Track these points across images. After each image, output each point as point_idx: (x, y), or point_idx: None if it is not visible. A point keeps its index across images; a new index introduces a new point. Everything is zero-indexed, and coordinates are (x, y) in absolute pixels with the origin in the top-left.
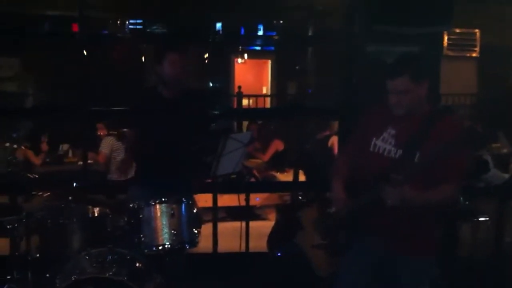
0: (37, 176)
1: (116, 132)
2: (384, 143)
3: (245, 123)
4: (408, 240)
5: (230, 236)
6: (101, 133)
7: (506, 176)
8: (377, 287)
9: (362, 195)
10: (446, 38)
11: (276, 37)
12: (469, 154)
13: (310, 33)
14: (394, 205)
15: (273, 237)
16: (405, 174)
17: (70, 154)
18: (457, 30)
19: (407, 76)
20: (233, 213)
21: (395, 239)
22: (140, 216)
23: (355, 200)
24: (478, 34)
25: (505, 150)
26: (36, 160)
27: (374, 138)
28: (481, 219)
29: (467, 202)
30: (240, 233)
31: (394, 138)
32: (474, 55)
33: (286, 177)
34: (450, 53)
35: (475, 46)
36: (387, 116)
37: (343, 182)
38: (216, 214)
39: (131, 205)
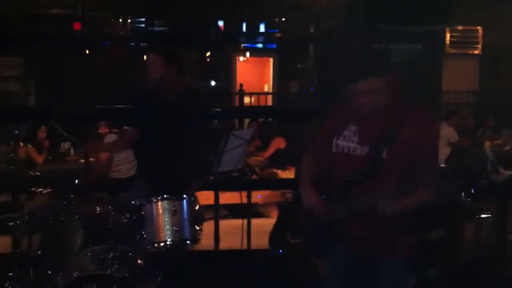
0: (39, 174)
1: (118, 131)
2: (347, 142)
3: (246, 121)
4: (383, 242)
5: (231, 233)
6: (103, 131)
7: (509, 173)
8: None
9: (349, 203)
10: (448, 35)
11: (278, 35)
12: (437, 148)
13: (312, 31)
14: (390, 215)
15: (275, 234)
16: (374, 170)
17: (71, 152)
18: (459, 28)
19: (380, 74)
20: (234, 211)
21: (371, 242)
22: (142, 213)
23: (336, 209)
24: (480, 31)
25: (507, 147)
26: (38, 158)
27: (335, 138)
28: (483, 216)
29: (469, 200)
30: (241, 230)
31: (357, 135)
32: (476, 52)
33: (287, 174)
34: (452, 51)
35: (477, 44)
36: (346, 113)
37: (313, 188)
38: (218, 212)
39: (132, 202)
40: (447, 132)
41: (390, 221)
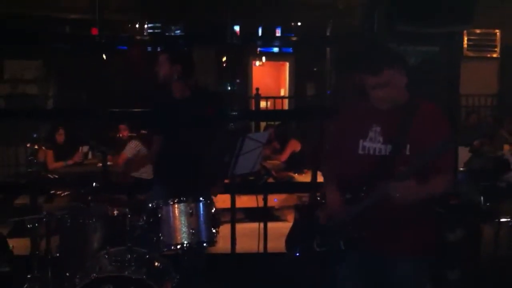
0: (57, 177)
1: (135, 134)
2: (373, 143)
3: (262, 126)
4: (401, 241)
5: (248, 236)
6: (123, 135)
7: None
8: None
9: (362, 200)
10: (465, 38)
11: (294, 39)
12: (454, 142)
13: (328, 34)
14: (401, 200)
15: (291, 238)
16: (401, 168)
17: (90, 156)
18: (477, 31)
19: (391, 67)
20: (251, 214)
21: (389, 240)
22: (159, 215)
23: (354, 206)
24: (498, 34)
25: None
26: (51, 163)
27: (361, 140)
28: (502, 219)
29: (488, 203)
30: (258, 234)
31: (381, 135)
32: (494, 55)
33: (303, 178)
34: (470, 54)
35: (495, 47)
36: (368, 113)
37: (337, 188)
38: (234, 215)
39: (149, 205)
40: None
41: (408, 220)
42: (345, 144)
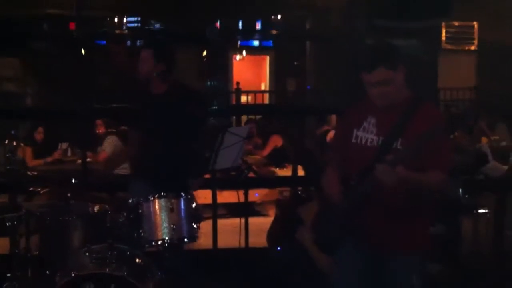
0: (36, 174)
1: (115, 130)
2: (366, 133)
3: (243, 120)
4: (398, 235)
5: (229, 232)
6: (100, 131)
7: (505, 168)
8: (370, 284)
9: (356, 187)
10: (444, 31)
11: (274, 33)
12: (450, 141)
13: (308, 29)
14: (388, 184)
15: (273, 232)
16: (388, 160)
17: (69, 153)
18: (455, 23)
19: (384, 65)
20: (232, 209)
21: (385, 235)
22: (139, 211)
23: (348, 194)
24: (476, 27)
25: (504, 143)
26: (31, 162)
27: (355, 129)
28: (480, 211)
29: (466, 195)
30: (239, 229)
31: (375, 126)
32: (472, 48)
33: (285, 172)
34: (448, 47)
35: (473, 39)
36: (367, 106)
37: (337, 176)
38: (216, 211)
39: (130, 201)
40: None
41: (405, 214)
42: (342, 135)
